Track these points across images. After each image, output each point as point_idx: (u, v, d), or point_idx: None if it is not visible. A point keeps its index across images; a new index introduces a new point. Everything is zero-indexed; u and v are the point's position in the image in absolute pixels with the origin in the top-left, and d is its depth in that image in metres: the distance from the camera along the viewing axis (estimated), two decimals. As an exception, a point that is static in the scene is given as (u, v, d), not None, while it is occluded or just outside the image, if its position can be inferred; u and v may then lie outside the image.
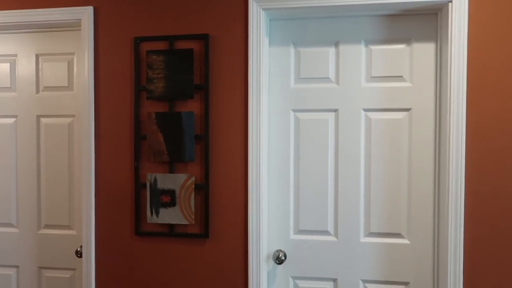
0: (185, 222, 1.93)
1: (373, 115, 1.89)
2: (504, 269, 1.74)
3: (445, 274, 1.76)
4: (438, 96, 1.84)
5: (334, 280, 1.93)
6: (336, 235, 1.93)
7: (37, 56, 2.20)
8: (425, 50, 1.84)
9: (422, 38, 1.84)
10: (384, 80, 1.88)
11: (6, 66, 2.23)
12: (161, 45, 1.95)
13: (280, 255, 1.91)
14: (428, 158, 1.85)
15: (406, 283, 1.88)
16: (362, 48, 1.89)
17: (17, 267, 2.25)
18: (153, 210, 1.95)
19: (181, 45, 1.94)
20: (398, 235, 1.89)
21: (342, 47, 1.90)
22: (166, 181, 1.94)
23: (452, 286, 1.74)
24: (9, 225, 2.25)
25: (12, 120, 2.23)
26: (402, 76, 1.86)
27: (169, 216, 1.94)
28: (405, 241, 1.88)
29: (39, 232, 2.22)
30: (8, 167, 2.24)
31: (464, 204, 1.74)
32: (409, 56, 1.86)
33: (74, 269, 2.20)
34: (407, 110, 1.86)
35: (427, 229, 1.86)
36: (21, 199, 2.23)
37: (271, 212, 1.97)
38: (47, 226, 2.21)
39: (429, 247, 1.86)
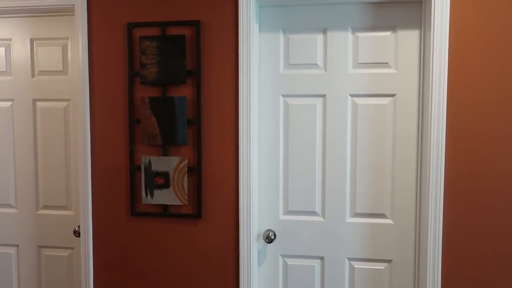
0: (178, 203, 2.00)
1: (359, 101, 1.95)
2: (480, 245, 1.83)
3: (425, 252, 1.85)
4: (422, 82, 1.90)
5: (321, 258, 2.02)
6: (323, 215, 2.01)
7: (31, 41, 2.23)
8: (410, 37, 1.89)
9: (407, 26, 1.89)
10: (370, 67, 1.93)
11: (1, 50, 2.25)
12: (153, 31, 1.99)
13: (270, 235, 1.99)
14: (411, 142, 1.93)
15: (389, 261, 1.98)
16: (349, 35, 1.94)
17: (17, 246, 2.33)
18: (148, 192, 2.02)
19: (173, 31, 1.98)
20: (382, 216, 1.97)
21: (330, 34, 1.95)
22: (160, 163, 2.00)
23: (431, 262, 1.83)
24: (9, 206, 2.32)
25: (8, 103, 2.28)
26: (387, 63, 1.92)
27: (163, 197, 2.01)
28: (388, 221, 1.97)
29: (38, 212, 2.29)
30: (6, 150, 2.29)
31: (444, 186, 1.82)
32: (394, 43, 1.91)
33: (72, 248, 2.28)
34: (392, 95, 1.93)
35: (409, 210, 1.95)
36: (20, 180, 2.29)
37: (261, 193, 2.05)
38: (45, 207, 2.28)
39: (411, 227, 1.95)
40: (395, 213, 1.96)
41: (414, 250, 1.95)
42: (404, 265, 1.97)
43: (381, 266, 1.98)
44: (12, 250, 2.33)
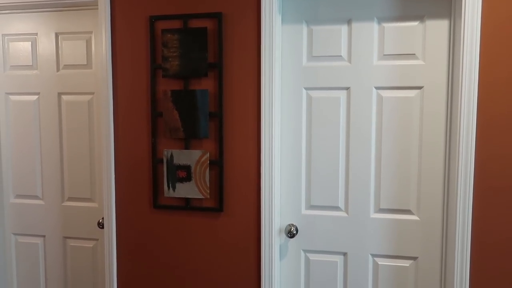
0: (200, 196, 2.00)
1: (385, 93, 1.90)
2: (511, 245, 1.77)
3: (453, 250, 1.79)
4: (451, 74, 1.83)
5: (344, 254, 1.99)
6: (346, 210, 1.98)
7: (56, 35, 2.27)
8: (438, 27, 1.82)
9: (436, 15, 1.82)
10: (396, 58, 1.87)
11: (27, 45, 2.30)
12: (175, 24, 1.99)
13: (292, 229, 1.97)
14: (439, 136, 1.86)
15: (414, 258, 1.93)
16: (374, 26, 1.88)
17: (43, 236, 2.39)
18: (170, 185, 2.03)
19: (195, 23, 1.97)
20: (407, 212, 1.92)
21: (354, 25, 1.90)
22: (182, 157, 2.01)
23: (459, 260, 1.78)
24: (35, 197, 2.38)
25: (35, 97, 2.32)
26: (414, 54, 1.86)
27: (185, 190, 2.02)
28: (414, 217, 1.92)
29: (63, 204, 2.34)
30: (33, 143, 2.34)
31: (473, 183, 1.75)
32: (422, 33, 1.84)
33: (96, 239, 2.32)
34: (419, 88, 1.87)
35: (436, 206, 1.89)
36: (46, 173, 2.34)
37: (284, 188, 2.03)
38: (70, 199, 2.33)
39: (438, 224, 1.90)
40: (421, 210, 1.91)
41: (441, 247, 1.90)
42: (430, 262, 1.91)
43: (406, 263, 1.94)
44: (39, 241, 2.39)
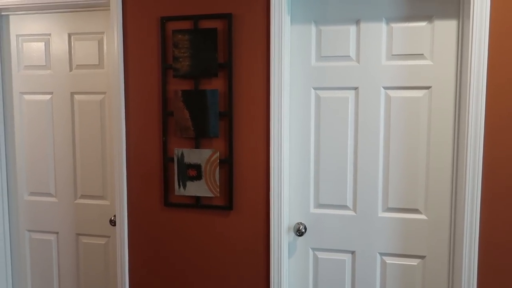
0: (210, 194, 2.03)
1: (393, 93, 1.91)
2: (520, 245, 1.77)
3: (461, 248, 1.80)
4: (459, 74, 1.83)
5: (352, 253, 2.01)
6: (354, 209, 1.99)
7: (69, 35, 2.31)
8: (447, 28, 1.83)
9: (444, 15, 1.83)
10: (404, 58, 1.88)
11: (41, 45, 2.34)
12: (186, 25, 2.01)
13: (301, 228, 1.99)
14: (447, 136, 1.87)
15: (422, 257, 1.94)
16: (383, 26, 1.89)
17: (56, 233, 2.43)
18: (181, 183, 2.06)
19: (205, 24, 1.99)
20: (415, 211, 1.93)
21: (363, 25, 1.91)
22: (192, 155, 2.04)
23: (467, 259, 1.79)
24: (49, 194, 2.42)
25: (48, 96, 2.37)
26: (422, 54, 1.86)
27: (195, 188, 2.05)
28: (422, 216, 1.93)
29: (76, 201, 2.38)
30: (46, 141, 2.39)
31: (481, 183, 1.76)
32: (430, 33, 1.85)
33: (108, 237, 2.36)
34: (427, 88, 1.87)
35: (444, 206, 1.90)
36: (59, 171, 2.39)
37: (292, 187, 2.05)
38: (83, 196, 2.37)
39: (446, 223, 1.90)
40: (429, 209, 1.92)
41: (449, 246, 1.91)
42: (438, 261, 1.92)
43: (414, 262, 1.95)
44: (52, 237, 2.44)
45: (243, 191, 2.02)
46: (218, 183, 2.02)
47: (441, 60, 1.85)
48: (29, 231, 2.46)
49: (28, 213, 2.45)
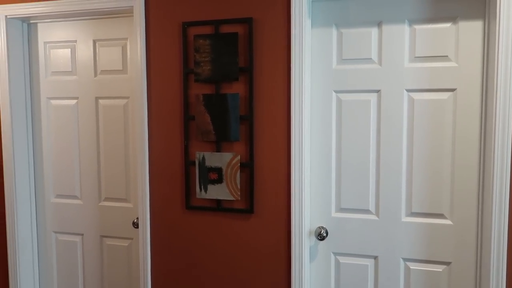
0: (231, 198, 2.04)
1: (416, 96, 1.88)
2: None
3: (488, 255, 1.75)
4: (485, 76, 1.79)
5: (375, 258, 1.98)
6: (377, 214, 1.97)
7: (94, 42, 2.36)
8: (472, 29, 1.79)
9: (469, 16, 1.79)
10: (428, 60, 1.85)
11: (67, 52, 2.41)
12: (207, 30, 2.03)
13: (322, 232, 1.98)
14: (473, 139, 1.83)
15: (448, 263, 1.89)
16: (405, 28, 1.86)
17: (81, 235, 2.49)
18: (202, 186, 2.08)
19: (226, 29, 2.01)
20: (440, 216, 1.89)
21: (385, 27, 1.89)
22: (213, 159, 2.05)
23: (495, 266, 1.74)
24: (74, 197, 2.48)
25: (74, 101, 2.43)
26: (447, 56, 1.82)
27: (216, 192, 2.06)
28: (447, 221, 1.88)
29: (100, 204, 2.43)
30: (72, 145, 2.44)
31: (509, 186, 1.71)
32: (454, 35, 1.81)
33: (131, 239, 2.40)
34: (452, 90, 1.83)
35: (470, 211, 1.85)
36: (84, 174, 2.44)
37: (313, 191, 2.04)
38: (107, 199, 2.42)
39: (472, 228, 1.85)
40: (454, 214, 1.87)
41: (476, 252, 1.86)
42: (464, 268, 1.87)
43: (439, 268, 1.91)
44: (77, 239, 2.49)
45: (264, 194, 2.02)
46: (239, 187, 2.02)
47: (466, 61, 1.80)
48: (56, 232, 2.52)
49: (54, 215, 2.51)
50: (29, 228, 2.50)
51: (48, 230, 2.53)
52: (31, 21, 2.42)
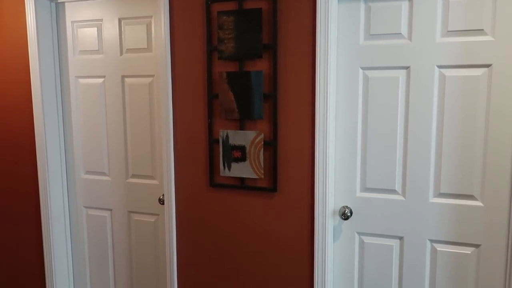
0: (254, 176, 2.04)
1: (448, 72, 1.79)
2: None
3: (520, 239, 1.69)
4: (524, 51, 1.68)
5: (400, 238, 1.94)
6: (403, 194, 1.92)
7: (119, 20, 2.37)
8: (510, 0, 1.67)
9: (509, -14, 1.67)
10: (461, 34, 1.75)
11: (94, 30, 2.43)
12: (231, 6, 2.00)
13: (346, 211, 1.96)
14: (509, 117, 1.73)
15: (477, 245, 1.84)
16: (438, 0, 1.77)
17: (110, 210, 2.56)
18: (225, 164, 2.08)
19: (250, 5, 1.96)
20: (470, 197, 1.83)
21: (416, 0, 1.80)
22: (237, 137, 2.05)
23: (526, 251, 1.68)
24: (103, 173, 2.55)
25: (101, 80, 2.46)
26: (482, 29, 1.72)
27: (239, 170, 2.06)
28: (478, 203, 1.82)
29: (127, 180, 2.49)
30: (100, 123, 2.49)
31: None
32: (491, 7, 1.70)
33: (157, 215, 2.45)
34: (487, 66, 1.74)
35: (503, 192, 1.78)
36: (112, 151, 2.50)
37: (338, 170, 2.01)
38: (134, 176, 2.47)
39: (504, 210, 1.78)
40: (485, 195, 1.80)
41: (507, 235, 1.79)
42: (495, 251, 1.81)
43: (467, 250, 1.86)
44: (106, 214, 2.57)
45: (287, 173, 2.01)
46: (262, 165, 2.02)
47: (504, 35, 1.70)
48: (86, 207, 2.61)
49: (84, 190, 2.59)
50: (61, 203, 2.60)
51: (79, 205, 2.62)
52: (59, 1, 2.44)
